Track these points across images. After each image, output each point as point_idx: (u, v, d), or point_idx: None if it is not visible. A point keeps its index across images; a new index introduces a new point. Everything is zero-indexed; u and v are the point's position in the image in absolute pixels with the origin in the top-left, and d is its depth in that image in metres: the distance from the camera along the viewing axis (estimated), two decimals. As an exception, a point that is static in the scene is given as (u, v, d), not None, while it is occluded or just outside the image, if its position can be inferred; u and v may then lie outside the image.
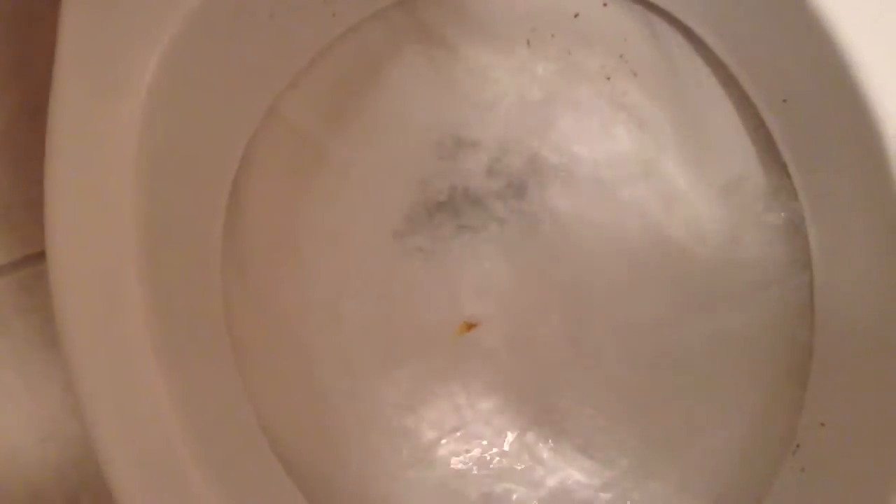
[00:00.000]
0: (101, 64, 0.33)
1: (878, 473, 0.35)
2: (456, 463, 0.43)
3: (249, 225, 0.42)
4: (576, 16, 0.45)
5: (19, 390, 0.49)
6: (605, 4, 0.45)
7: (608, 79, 0.46)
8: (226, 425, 0.36)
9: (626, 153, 0.45)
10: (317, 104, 0.43)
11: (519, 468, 0.44)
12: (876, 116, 0.34)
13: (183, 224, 0.36)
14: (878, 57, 0.34)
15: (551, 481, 0.43)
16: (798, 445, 0.41)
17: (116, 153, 0.32)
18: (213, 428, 0.34)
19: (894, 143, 0.34)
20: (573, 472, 0.43)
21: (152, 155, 0.33)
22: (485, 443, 0.44)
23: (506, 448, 0.44)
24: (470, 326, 0.44)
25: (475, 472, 0.43)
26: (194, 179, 0.37)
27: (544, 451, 0.44)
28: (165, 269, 0.34)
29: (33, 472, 0.49)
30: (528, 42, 0.45)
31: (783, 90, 0.41)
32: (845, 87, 0.35)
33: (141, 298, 0.32)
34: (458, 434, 0.43)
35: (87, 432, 0.30)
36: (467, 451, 0.44)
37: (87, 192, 0.32)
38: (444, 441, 0.43)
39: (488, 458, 0.44)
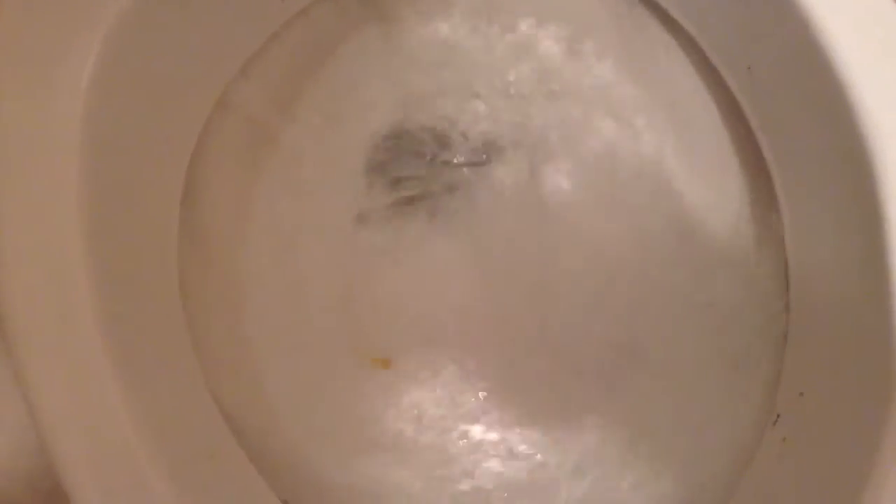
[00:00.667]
0: (38, 54, 0.32)
1: (858, 439, 0.35)
2: (412, 447, 0.43)
3: (206, 218, 0.41)
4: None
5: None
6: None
7: (573, 53, 0.45)
8: (181, 407, 0.35)
9: (592, 122, 0.45)
10: (268, 91, 0.42)
11: (484, 452, 0.43)
12: (839, 81, 0.34)
13: (134, 217, 0.35)
14: (841, 21, 0.34)
15: (516, 466, 0.43)
16: (778, 416, 0.40)
17: (59, 146, 0.31)
18: (168, 412, 0.33)
19: (858, 106, 0.34)
20: (541, 456, 0.43)
21: (97, 147, 0.32)
22: (448, 426, 0.43)
23: (471, 433, 0.43)
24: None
25: (432, 456, 0.43)
26: (144, 172, 0.36)
27: (511, 435, 0.43)
28: (117, 261, 0.33)
29: (3, 483, 0.48)
30: (489, 17, 0.44)
31: (747, 58, 0.40)
32: (809, 54, 0.35)
33: (88, 290, 0.31)
34: (419, 418, 0.43)
35: (37, 426, 0.29)
36: (427, 434, 0.43)
37: (30, 189, 0.31)
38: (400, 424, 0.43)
39: (450, 442, 0.43)
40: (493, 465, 0.43)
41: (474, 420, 0.43)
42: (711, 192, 0.44)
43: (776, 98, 0.40)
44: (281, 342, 0.42)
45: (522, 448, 0.43)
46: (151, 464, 0.30)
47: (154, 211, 0.37)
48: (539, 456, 0.43)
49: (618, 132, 0.45)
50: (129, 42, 0.33)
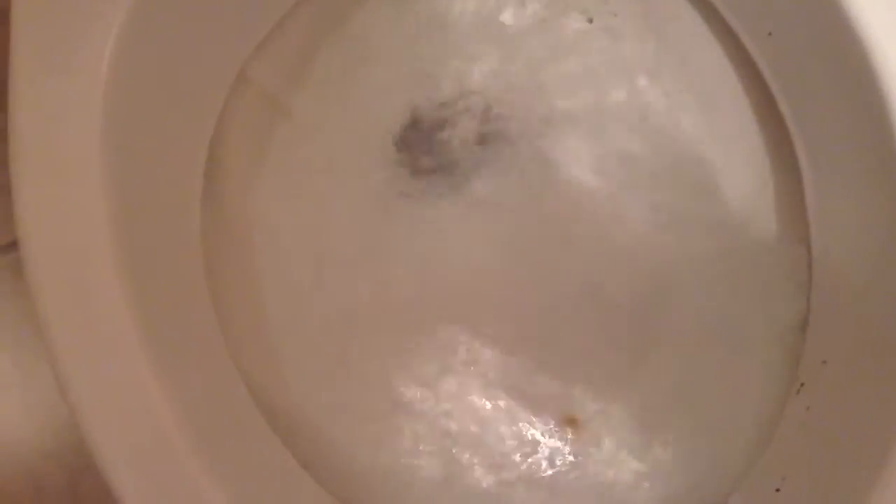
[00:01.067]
0: (57, 40, 0.32)
1: (881, 407, 0.35)
2: (434, 415, 0.43)
3: (228, 194, 0.41)
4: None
5: (14, 378, 0.49)
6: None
7: (590, 21, 0.44)
8: (207, 381, 0.36)
9: (610, 92, 0.44)
10: (284, 66, 0.42)
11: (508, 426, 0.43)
12: (862, 45, 0.33)
13: (157, 195, 0.35)
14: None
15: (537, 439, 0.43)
16: (802, 384, 0.40)
17: (81, 130, 0.31)
18: (198, 390, 0.33)
19: (882, 69, 0.33)
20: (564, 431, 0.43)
21: (119, 129, 0.32)
22: (470, 396, 0.43)
23: (490, 406, 0.43)
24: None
25: (452, 425, 0.43)
26: (165, 151, 0.36)
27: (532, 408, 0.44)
28: (141, 238, 0.33)
29: (33, 461, 0.48)
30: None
31: (767, 24, 0.40)
32: (831, 17, 0.34)
33: (114, 267, 0.31)
34: (442, 385, 0.43)
35: (72, 410, 0.30)
36: (450, 402, 0.43)
37: (53, 173, 0.31)
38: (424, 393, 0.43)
39: (471, 409, 0.43)
40: (514, 441, 0.43)
41: (495, 394, 0.43)
42: (732, 158, 0.44)
43: (798, 63, 0.39)
44: (303, 316, 0.42)
45: (543, 423, 0.43)
46: (181, 436, 0.31)
47: (177, 188, 0.37)
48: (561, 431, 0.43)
49: (635, 100, 0.44)
50: (148, 24, 0.33)
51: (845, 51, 0.34)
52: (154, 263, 0.34)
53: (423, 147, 0.44)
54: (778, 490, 0.37)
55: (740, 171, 0.44)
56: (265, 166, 0.43)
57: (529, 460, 0.43)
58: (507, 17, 0.45)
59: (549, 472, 0.43)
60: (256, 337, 0.41)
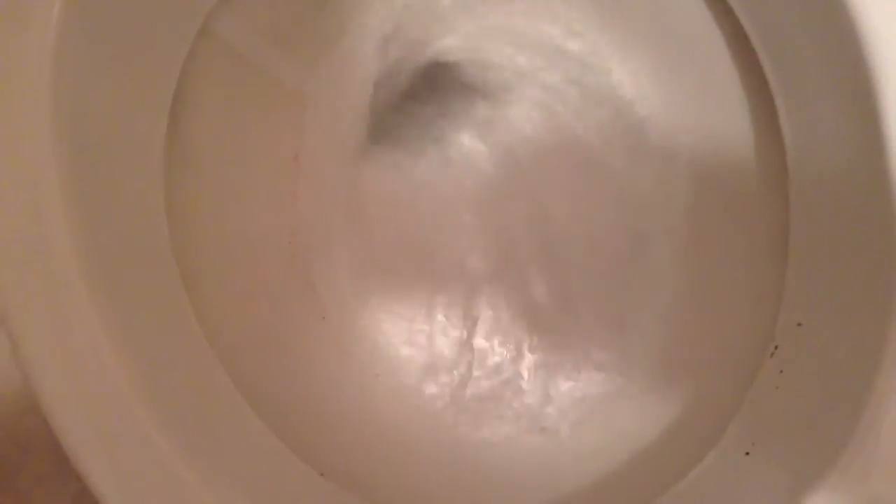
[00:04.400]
0: None
1: (855, 371, 0.34)
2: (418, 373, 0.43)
3: (194, 157, 0.40)
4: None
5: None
6: None
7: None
8: (168, 342, 0.35)
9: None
10: (254, 20, 0.41)
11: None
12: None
13: (114, 147, 0.34)
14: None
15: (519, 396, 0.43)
16: (776, 347, 0.40)
17: (31, 86, 0.30)
18: (160, 353, 0.33)
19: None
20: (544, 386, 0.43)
21: (71, 79, 0.31)
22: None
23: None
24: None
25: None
26: (122, 108, 0.35)
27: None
28: (97, 191, 0.32)
29: (15, 418, 0.48)
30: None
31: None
32: None
33: (67, 219, 0.30)
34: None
35: (23, 372, 0.29)
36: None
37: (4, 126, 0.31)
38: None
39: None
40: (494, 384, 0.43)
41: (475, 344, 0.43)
42: (706, 102, 0.43)
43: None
44: (276, 268, 0.42)
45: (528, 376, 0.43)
46: (143, 407, 0.30)
47: (137, 141, 0.36)
48: (542, 386, 0.43)
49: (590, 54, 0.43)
50: None
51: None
52: (111, 215, 0.33)
53: (407, 104, 0.44)
54: (747, 454, 0.37)
55: (714, 106, 0.43)
56: (236, 119, 0.42)
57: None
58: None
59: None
60: (222, 294, 0.40)
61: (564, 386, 0.43)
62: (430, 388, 0.43)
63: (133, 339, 0.31)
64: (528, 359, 0.44)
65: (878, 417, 0.33)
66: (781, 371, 0.39)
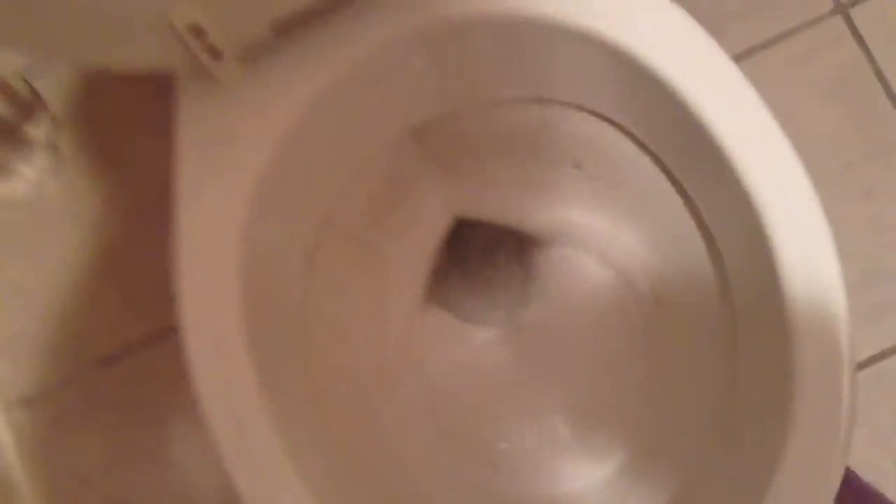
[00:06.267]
0: (216, 148, 0.45)
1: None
2: None
3: (315, 303, 0.55)
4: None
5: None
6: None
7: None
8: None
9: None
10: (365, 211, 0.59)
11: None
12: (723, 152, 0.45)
13: (274, 294, 0.50)
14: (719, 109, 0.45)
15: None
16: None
17: (230, 221, 0.45)
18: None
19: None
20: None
21: (255, 225, 0.46)
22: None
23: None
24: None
25: None
26: (280, 250, 0.50)
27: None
28: (263, 332, 0.47)
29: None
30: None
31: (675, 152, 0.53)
32: (701, 139, 0.46)
33: (242, 343, 0.45)
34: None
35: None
36: None
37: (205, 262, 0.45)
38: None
39: None
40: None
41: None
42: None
43: (689, 163, 0.52)
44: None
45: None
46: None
47: (287, 280, 0.52)
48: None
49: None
50: (305, 137, 0.47)
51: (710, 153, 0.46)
52: (270, 325, 0.48)
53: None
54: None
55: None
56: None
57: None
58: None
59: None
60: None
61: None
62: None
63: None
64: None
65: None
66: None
